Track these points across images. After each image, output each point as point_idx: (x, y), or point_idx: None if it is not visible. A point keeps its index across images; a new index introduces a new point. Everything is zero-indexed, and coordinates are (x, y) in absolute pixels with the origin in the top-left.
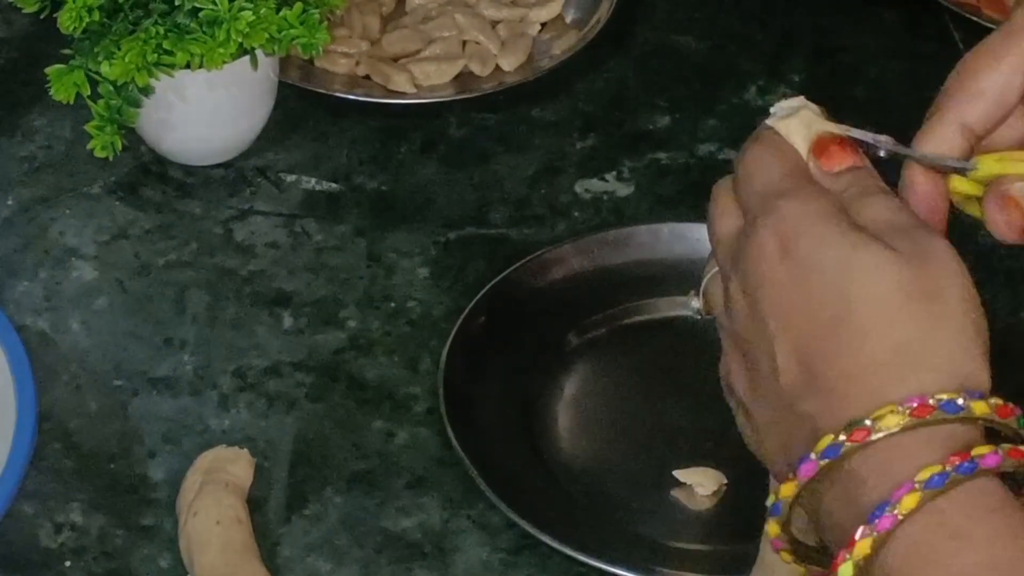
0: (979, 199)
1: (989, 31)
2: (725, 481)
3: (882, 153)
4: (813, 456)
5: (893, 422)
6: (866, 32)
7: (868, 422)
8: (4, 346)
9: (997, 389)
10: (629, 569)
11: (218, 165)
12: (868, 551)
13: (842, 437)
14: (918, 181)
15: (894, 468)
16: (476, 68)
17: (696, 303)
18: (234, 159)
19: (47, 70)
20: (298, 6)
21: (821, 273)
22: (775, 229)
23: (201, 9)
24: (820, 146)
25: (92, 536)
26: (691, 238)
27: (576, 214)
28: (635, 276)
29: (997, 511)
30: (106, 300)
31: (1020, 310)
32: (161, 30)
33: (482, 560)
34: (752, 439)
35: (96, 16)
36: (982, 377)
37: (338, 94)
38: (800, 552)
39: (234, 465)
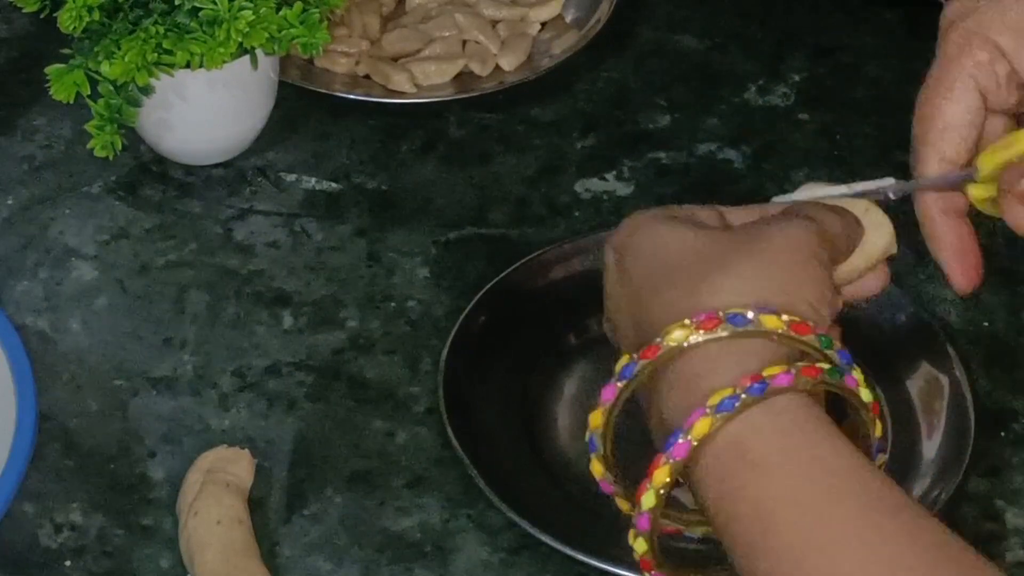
0: (994, 200)
1: None
2: None
3: (891, 195)
4: (612, 379)
5: (680, 335)
6: (866, 32)
7: (657, 339)
8: (4, 346)
9: (997, 387)
10: (629, 569)
11: (218, 165)
12: (667, 479)
13: (635, 355)
14: (936, 215)
15: (691, 391)
16: (476, 68)
17: None
18: (234, 159)
19: (47, 70)
20: (298, 6)
21: (638, 257)
22: (613, 244)
23: (201, 9)
24: None
25: (92, 536)
26: None
27: (576, 214)
28: None
29: (792, 435)
30: (106, 300)
31: (1020, 310)
32: (161, 29)
33: (482, 560)
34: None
35: (96, 16)
36: (798, 308)
37: (338, 94)
38: (631, 499)
39: (235, 465)
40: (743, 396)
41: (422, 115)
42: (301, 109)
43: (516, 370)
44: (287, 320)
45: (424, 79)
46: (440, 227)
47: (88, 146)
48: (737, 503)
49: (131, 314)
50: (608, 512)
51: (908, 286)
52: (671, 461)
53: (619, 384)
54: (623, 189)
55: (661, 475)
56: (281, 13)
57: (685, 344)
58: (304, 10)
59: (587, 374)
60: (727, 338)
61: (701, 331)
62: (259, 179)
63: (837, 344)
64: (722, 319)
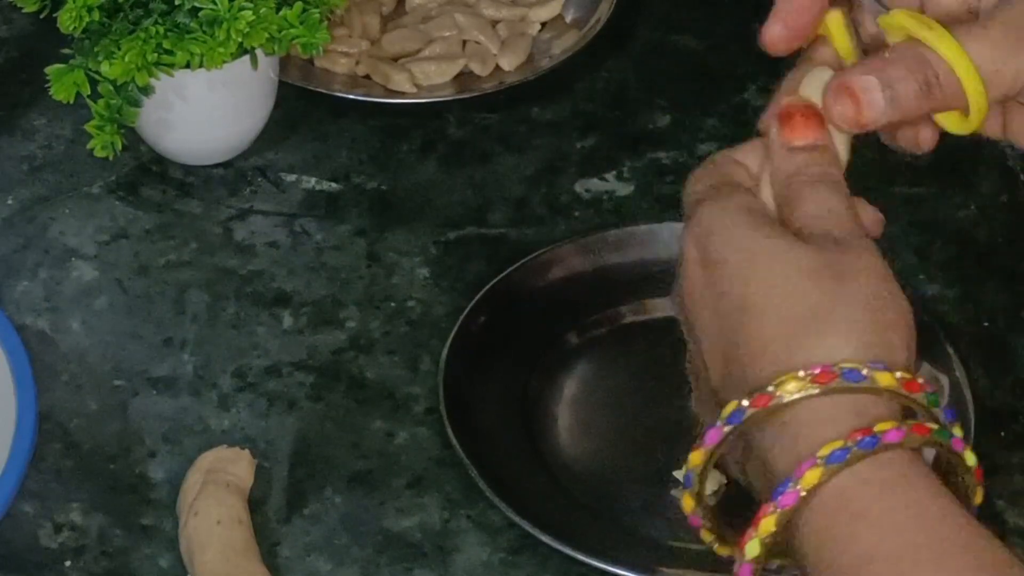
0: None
1: None
2: (725, 481)
3: None
4: (719, 423)
5: (794, 387)
6: None
7: (770, 388)
8: (4, 346)
9: (997, 387)
10: (629, 569)
11: (218, 165)
12: (773, 528)
13: (745, 402)
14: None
15: (799, 442)
16: (476, 68)
17: None
18: (234, 159)
19: (47, 70)
20: (298, 6)
21: (727, 266)
22: (694, 235)
23: (201, 9)
24: (785, 114)
25: (92, 536)
26: None
27: (576, 214)
28: (635, 276)
29: (899, 489)
30: (106, 300)
31: (1020, 310)
32: (161, 30)
33: (482, 560)
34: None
35: (96, 16)
36: (897, 356)
37: (338, 94)
38: (718, 532)
39: (235, 465)
40: (854, 449)
41: (422, 115)
42: (301, 109)
43: (516, 370)
44: (287, 320)
45: (424, 79)
46: (440, 227)
47: (88, 146)
48: (839, 554)
49: (131, 314)
50: (608, 512)
51: (908, 286)
52: (779, 510)
53: (725, 428)
54: (623, 189)
55: (768, 524)
56: (281, 13)
57: (797, 396)
58: (304, 10)
59: (587, 374)
60: (837, 392)
61: (816, 385)
62: (259, 179)
63: (943, 401)
64: (837, 374)
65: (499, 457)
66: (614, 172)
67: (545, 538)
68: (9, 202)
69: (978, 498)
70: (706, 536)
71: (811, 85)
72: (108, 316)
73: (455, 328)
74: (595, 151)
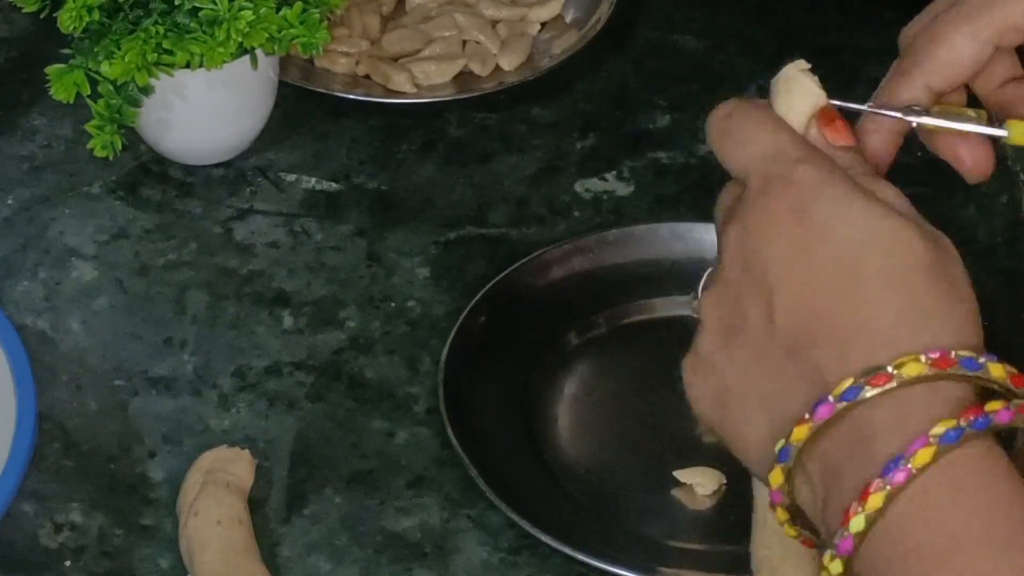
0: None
1: None
2: (725, 481)
3: (914, 123)
4: (831, 398)
5: (915, 371)
6: (866, 32)
7: (890, 369)
8: (4, 346)
9: None
10: (629, 569)
11: (218, 165)
12: (880, 504)
13: (862, 381)
14: (871, 130)
15: (908, 422)
16: (476, 68)
17: (696, 303)
18: (234, 159)
19: (47, 70)
20: (298, 6)
21: (841, 236)
22: (792, 190)
23: (201, 8)
24: (826, 118)
25: (92, 536)
26: (691, 238)
27: (576, 214)
28: (635, 276)
29: (1002, 473)
30: (106, 300)
31: (1020, 310)
32: (161, 29)
33: (482, 560)
34: (713, 405)
35: (96, 16)
36: (975, 343)
37: (338, 94)
38: (795, 514)
39: (235, 465)
40: (967, 429)
41: (422, 115)
42: (301, 109)
43: (516, 370)
44: (287, 320)
45: (424, 79)
46: (440, 227)
47: (88, 146)
48: (933, 535)
49: (131, 314)
50: (608, 512)
51: None
52: (888, 487)
53: (839, 405)
54: (623, 189)
55: (876, 500)
56: (281, 13)
57: (916, 378)
58: (304, 10)
59: (587, 374)
60: (952, 379)
61: (934, 369)
62: (259, 179)
63: None
64: (955, 361)
65: (499, 457)
66: (614, 172)
67: (545, 538)
68: (9, 202)
69: None
70: (781, 515)
71: (800, 97)
72: (108, 316)
73: (455, 328)
74: (595, 151)
